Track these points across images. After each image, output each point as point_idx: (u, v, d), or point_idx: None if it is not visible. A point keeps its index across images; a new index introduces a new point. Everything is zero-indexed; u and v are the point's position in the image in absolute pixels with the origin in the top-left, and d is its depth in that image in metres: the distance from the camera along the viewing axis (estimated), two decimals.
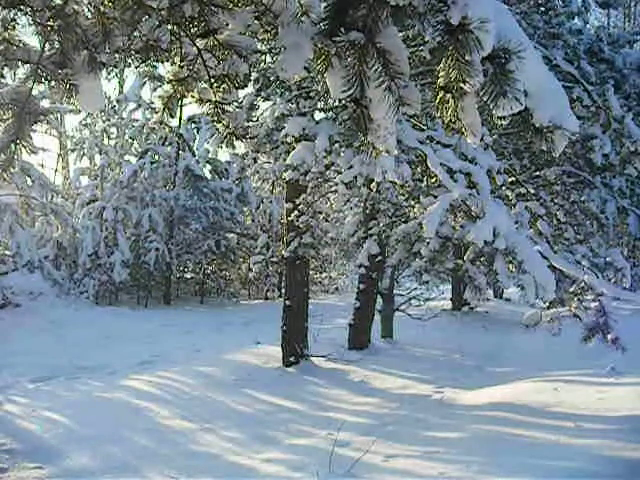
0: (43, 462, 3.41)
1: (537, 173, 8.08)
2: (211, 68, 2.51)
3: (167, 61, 2.58)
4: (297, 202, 6.70)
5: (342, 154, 6.13)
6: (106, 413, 4.48)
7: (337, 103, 6.37)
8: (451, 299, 12.59)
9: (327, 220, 11.44)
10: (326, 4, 2.08)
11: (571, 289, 6.03)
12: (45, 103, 9.15)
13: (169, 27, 2.36)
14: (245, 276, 17.39)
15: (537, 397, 4.38)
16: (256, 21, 2.39)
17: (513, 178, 7.19)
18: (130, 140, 16.41)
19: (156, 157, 15.25)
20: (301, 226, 6.72)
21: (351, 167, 5.86)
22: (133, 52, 2.37)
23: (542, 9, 8.40)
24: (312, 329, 6.94)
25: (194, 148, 16.10)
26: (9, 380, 5.77)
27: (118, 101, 16.39)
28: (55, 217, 12.83)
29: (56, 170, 20.29)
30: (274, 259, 16.38)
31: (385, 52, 1.97)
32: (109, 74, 13.73)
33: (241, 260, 17.01)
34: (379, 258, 7.54)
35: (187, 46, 2.51)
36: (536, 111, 2.03)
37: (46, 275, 12.19)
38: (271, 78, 6.89)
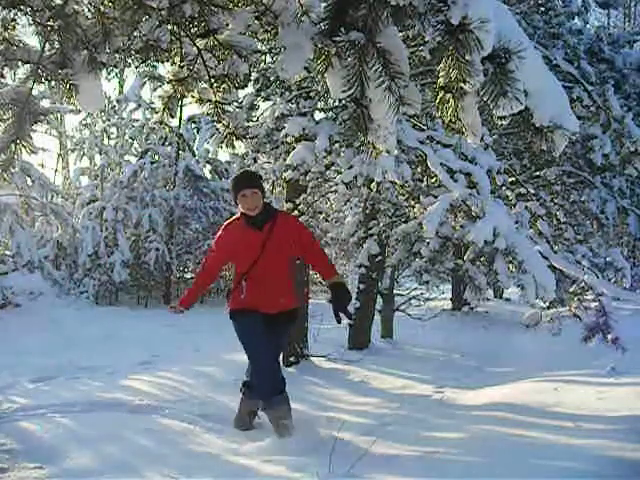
0: (43, 462, 3.40)
1: (537, 173, 8.08)
2: (211, 68, 2.52)
3: (167, 61, 2.58)
4: (297, 202, 6.70)
5: (342, 154, 6.13)
6: (106, 413, 4.47)
7: (337, 103, 6.37)
8: (451, 299, 12.60)
9: (327, 220, 11.43)
10: (326, 4, 2.08)
11: (571, 289, 6.03)
12: (45, 103, 9.16)
13: (169, 27, 2.37)
14: None
15: (537, 397, 4.37)
16: (256, 21, 2.40)
17: (513, 178, 7.19)
18: (130, 140, 16.41)
19: (156, 157, 15.25)
20: None
21: (351, 167, 5.85)
22: (133, 52, 2.37)
23: (542, 9, 8.40)
24: (312, 329, 6.94)
25: (194, 148, 16.10)
26: (9, 380, 5.76)
27: (118, 101, 16.40)
28: (55, 217, 12.84)
29: (56, 170, 20.33)
30: None
31: (385, 52, 1.97)
32: (109, 74, 13.72)
33: None
34: (379, 258, 7.55)
35: (187, 46, 2.51)
36: (536, 111, 2.04)
37: (46, 275, 12.19)
38: (271, 78, 6.88)
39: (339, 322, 3.77)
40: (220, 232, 3.86)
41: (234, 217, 3.89)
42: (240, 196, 3.65)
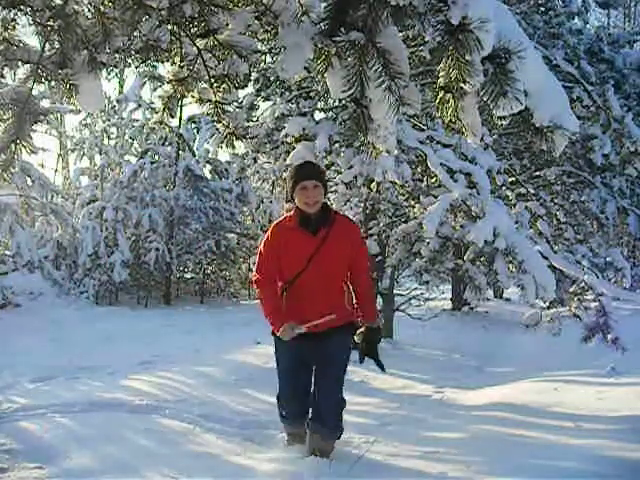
0: (43, 462, 3.40)
1: (537, 173, 8.10)
2: (211, 68, 2.52)
3: (167, 61, 2.58)
4: None
5: (342, 154, 6.14)
6: (106, 413, 4.47)
7: (337, 103, 6.38)
8: (451, 299, 12.59)
9: None
10: (326, 4, 2.08)
11: (571, 289, 6.04)
12: (45, 103, 9.16)
13: (169, 27, 2.37)
14: (245, 276, 17.40)
15: (537, 397, 4.38)
16: (256, 21, 2.40)
17: (513, 178, 7.20)
18: (130, 140, 16.41)
19: (156, 157, 15.25)
20: None
21: (351, 167, 5.86)
22: (133, 52, 2.37)
23: (542, 9, 8.42)
24: None
25: (194, 148, 16.10)
26: (9, 380, 5.76)
27: (118, 101, 16.39)
28: (55, 217, 12.84)
29: (56, 170, 20.35)
30: None
31: (385, 52, 1.98)
32: (109, 74, 13.72)
33: (241, 260, 17.01)
34: (379, 258, 7.55)
35: (187, 46, 2.51)
36: (536, 111, 2.04)
37: (46, 275, 12.19)
38: (271, 78, 6.90)
39: (361, 362, 3.38)
40: (266, 235, 3.26)
41: (282, 217, 3.30)
42: (299, 188, 3.06)
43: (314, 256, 3.08)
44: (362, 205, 7.57)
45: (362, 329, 3.29)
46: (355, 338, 3.27)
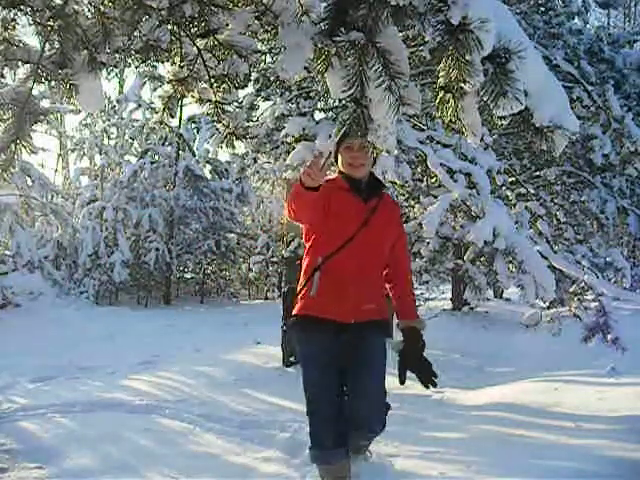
0: (43, 462, 3.40)
1: (537, 173, 8.10)
2: (211, 68, 2.52)
3: (167, 61, 2.58)
4: None
5: None
6: (106, 413, 4.47)
7: (337, 103, 6.38)
8: (451, 299, 12.59)
9: None
10: (326, 4, 2.08)
11: (571, 289, 6.04)
12: (45, 103, 9.15)
13: (169, 27, 2.37)
14: (245, 276, 17.42)
15: (537, 397, 4.38)
16: (256, 21, 2.40)
17: (513, 178, 7.20)
18: (130, 140, 16.42)
19: (156, 157, 15.27)
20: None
21: None
22: (133, 52, 2.37)
23: (542, 9, 8.42)
24: None
25: (194, 148, 16.12)
26: (9, 380, 5.76)
27: (118, 101, 16.40)
28: (55, 217, 12.84)
29: (56, 170, 20.38)
30: (274, 259, 16.40)
31: (385, 52, 1.98)
32: (109, 74, 13.70)
33: (241, 260, 17.04)
34: None
35: (187, 46, 2.51)
36: (536, 111, 2.04)
37: (46, 275, 12.19)
38: (271, 78, 6.89)
39: (403, 382, 2.84)
40: None
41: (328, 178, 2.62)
42: (343, 147, 2.59)
43: (362, 226, 2.56)
44: None
45: (400, 337, 2.68)
46: (392, 348, 2.63)
